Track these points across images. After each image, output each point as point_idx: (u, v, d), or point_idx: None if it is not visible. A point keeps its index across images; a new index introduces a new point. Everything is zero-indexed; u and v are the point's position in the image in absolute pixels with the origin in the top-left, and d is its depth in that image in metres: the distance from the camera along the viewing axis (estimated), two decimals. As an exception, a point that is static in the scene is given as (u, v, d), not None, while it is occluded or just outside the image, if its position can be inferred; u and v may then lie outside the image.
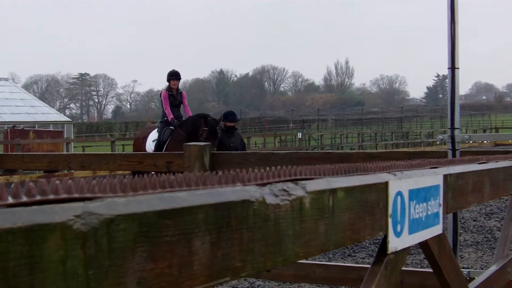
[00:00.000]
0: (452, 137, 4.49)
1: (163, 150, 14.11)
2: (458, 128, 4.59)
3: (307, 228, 1.40)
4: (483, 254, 9.43)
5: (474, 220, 13.12)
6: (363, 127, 77.25)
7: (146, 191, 1.09)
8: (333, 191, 1.49)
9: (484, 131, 64.76)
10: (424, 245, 2.17)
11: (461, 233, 11.57)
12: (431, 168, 2.14)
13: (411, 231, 1.93)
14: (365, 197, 1.66)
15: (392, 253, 1.84)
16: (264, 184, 1.31)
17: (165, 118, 14.83)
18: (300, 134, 42.91)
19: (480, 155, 3.23)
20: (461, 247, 10.11)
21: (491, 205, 14.82)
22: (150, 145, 15.00)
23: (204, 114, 14.56)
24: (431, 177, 2.06)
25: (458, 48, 4.67)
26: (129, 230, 0.99)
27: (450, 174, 2.24)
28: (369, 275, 1.82)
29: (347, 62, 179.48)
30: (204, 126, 13.60)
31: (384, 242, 1.81)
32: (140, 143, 15.48)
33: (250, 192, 1.25)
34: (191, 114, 15.16)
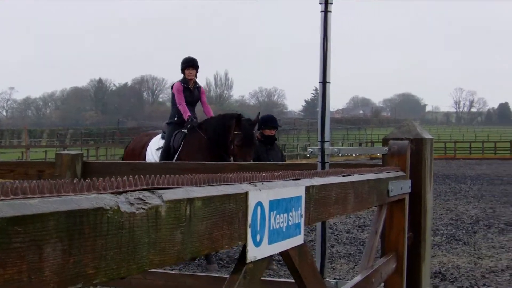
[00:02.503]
0: (322, 150, 4.61)
1: (175, 160, 10.60)
2: (327, 141, 4.72)
3: (162, 237, 1.42)
4: (355, 266, 9.69)
5: (347, 232, 13.44)
6: (243, 139, 77.71)
7: (-2, 198, 1.09)
8: (190, 200, 1.51)
9: (360, 144, 66.59)
10: (285, 255, 2.22)
11: (334, 244, 11.84)
12: (293, 179, 2.20)
13: (271, 241, 1.97)
14: (224, 207, 1.69)
15: (251, 262, 1.87)
16: (120, 193, 1.32)
17: (175, 118, 11.09)
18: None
19: (347, 168, 3.33)
20: (333, 259, 10.36)
21: (364, 217, 15.27)
22: (153, 155, 11.30)
23: (235, 114, 10.62)
24: (293, 188, 2.11)
25: (330, 63, 4.80)
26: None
27: (313, 186, 2.30)
28: (227, 284, 1.85)
29: (226, 74, 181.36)
30: (236, 129, 10.01)
31: (243, 252, 1.85)
32: (136, 154, 11.51)
33: (104, 200, 1.26)
34: (211, 114, 11.44)
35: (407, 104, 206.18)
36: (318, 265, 4.94)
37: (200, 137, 10.55)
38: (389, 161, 4.09)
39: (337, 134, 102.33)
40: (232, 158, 9.97)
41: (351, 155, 42.00)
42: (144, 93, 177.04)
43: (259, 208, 1.87)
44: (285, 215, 2.06)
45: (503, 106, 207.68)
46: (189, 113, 10.82)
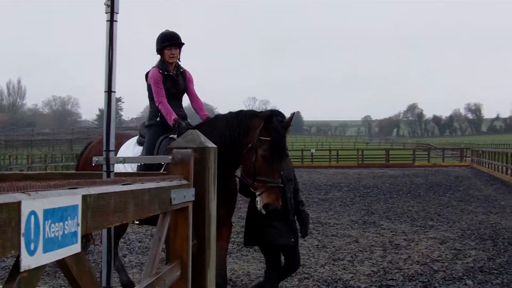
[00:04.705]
0: (107, 159, 4.62)
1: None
2: (112, 151, 4.73)
3: None
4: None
5: (139, 242, 13.46)
6: (34, 149, 75.73)
7: None
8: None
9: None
10: (62, 264, 2.22)
11: (126, 254, 11.82)
12: (70, 188, 2.21)
13: (46, 250, 1.97)
14: (-4, 216, 1.68)
15: (26, 271, 1.87)
16: None
17: (158, 118, 7.87)
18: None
19: (132, 177, 3.37)
20: (125, 268, 10.34)
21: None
22: (126, 168, 7.60)
23: (259, 112, 7.15)
24: (69, 197, 2.12)
25: (115, 72, 4.82)
26: None
27: (90, 195, 2.32)
28: (-1, 294, 1.84)
29: (19, 82, 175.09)
30: (262, 133, 6.68)
31: (17, 261, 1.84)
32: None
33: None
34: (205, 111, 8.17)
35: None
36: (104, 274, 4.94)
37: None
38: (173, 169, 4.17)
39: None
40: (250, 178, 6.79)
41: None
42: None
43: (32, 217, 1.87)
44: (61, 223, 2.06)
45: (296, 115, 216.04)
46: (174, 115, 7.68)
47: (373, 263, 11.08)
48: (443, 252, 12.19)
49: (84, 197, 2.25)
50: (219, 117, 7.37)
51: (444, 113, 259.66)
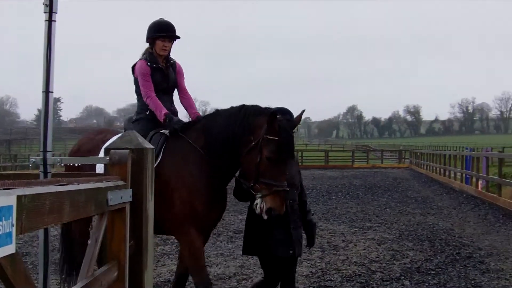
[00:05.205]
0: (44, 160, 4.59)
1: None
2: (50, 151, 4.70)
3: None
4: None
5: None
6: (-31, 149, 74.27)
7: None
8: None
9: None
10: (-4, 265, 2.22)
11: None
12: (4, 189, 2.21)
13: (-21, 250, 1.97)
14: None
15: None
16: None
17: (148, 112, 7.15)
18: None
19: (70, 177, 3.36)
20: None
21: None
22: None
23: (263, 108, 6.38)
24: (3, 198, 2.12)
25: (53, 72, 4.79)
26: None
27: (25, 195, 2.32)
28: None
29: None
30: (269, 131, 6.03)
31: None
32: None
33: None
34: (196, 109, 7.44)
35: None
36: (41, 276, 4.91)
37: (192, 148, 6.57)
38: (110, 170, 4.17)
39: (70, 144, 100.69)
40: (250, 181, 6.18)
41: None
42: None
43: (-35, 217, 1.87)
44: (-5, 224, 2.07)
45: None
46: (165, 110, 6.97)
47: (311, 264, 11.18)
48: (381, 253, 12.36)
49: (19, 198, 2.26)
50: (219, 112, 6.70)
51: (384, 115, 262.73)
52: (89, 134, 8.10)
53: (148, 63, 7.11)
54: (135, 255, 4.54)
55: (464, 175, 29.34)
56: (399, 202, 23.04)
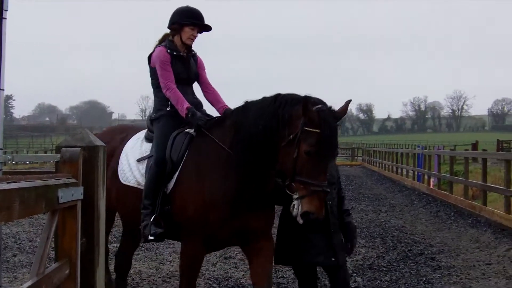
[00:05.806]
0: (-5, 158, 4.57)
1: (172, 185, 6.07)
2: (1, 149, 4.68)
3: None
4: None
5: (30, 241, 13.20)
6: None
7: None
8: None
9: (46, 152, 65.37)
10: None
11: (16, 254, 11.58)
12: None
13: None
14: None
15: None
16: None
17: (169, 108, 6.42)
18: None
19: (18, 175, 3.36)
20: (16, 268, 10.22)
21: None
22: (132, 171, 6.53)
23: (300, 96, 5.63)
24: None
25: (4, 69, 4.76)
26: None
27: (-26, 193, 2.34)
28: None
29: None
30: (308, 123, 5.30)
31: None
32: None
33: None
34: (224, 102, 6.68)
35: (94, 112, 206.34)
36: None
37: (219, 149, 5.93)
38: (61, 168, 4.17)
39: (23, 142, 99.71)
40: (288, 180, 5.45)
41: (36, 162, 40.86)
42: None
43: None
44: None
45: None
46: (187, 104, 6.25)
47: (264, 261, 11.22)
48: (333, 249, 12.46)
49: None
50: (250, 104, 5.93)
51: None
52: (108, 133, 7.59)
53: (168, 50, 6.43)
54: (86, 252, 4.55)
55: (416, 172, 29.72)
56: (352, 199, 23.22)
